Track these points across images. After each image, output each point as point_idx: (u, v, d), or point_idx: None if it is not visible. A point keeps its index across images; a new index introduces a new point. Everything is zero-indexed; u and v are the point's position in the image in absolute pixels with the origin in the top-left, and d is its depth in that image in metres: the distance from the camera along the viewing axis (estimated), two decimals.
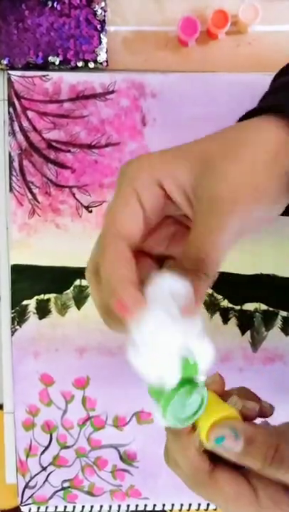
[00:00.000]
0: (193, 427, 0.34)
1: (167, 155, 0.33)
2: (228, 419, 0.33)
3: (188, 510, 0.55)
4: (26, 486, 0.54)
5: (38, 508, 0.55)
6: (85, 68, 0.53)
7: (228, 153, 0.32)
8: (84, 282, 0.54)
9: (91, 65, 0.53)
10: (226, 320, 0.53)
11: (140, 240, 0.33)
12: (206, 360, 0.31)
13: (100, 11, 0.53)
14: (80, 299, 0.54)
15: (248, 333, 0.53)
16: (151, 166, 0.32)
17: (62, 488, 0.54)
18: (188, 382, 0.31)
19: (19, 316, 0.54)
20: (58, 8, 0.53)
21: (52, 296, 0.54)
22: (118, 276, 0.31)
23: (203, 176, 0.32)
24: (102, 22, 0.53)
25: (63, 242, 0.53)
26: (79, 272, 0.53)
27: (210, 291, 0.53)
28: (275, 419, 0.38)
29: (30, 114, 0.53)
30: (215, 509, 0.54)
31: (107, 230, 0.32)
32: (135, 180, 0.32)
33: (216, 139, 0.34)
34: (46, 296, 0.54)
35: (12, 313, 0.54)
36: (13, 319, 0.54)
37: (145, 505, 0.54)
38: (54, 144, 0.53)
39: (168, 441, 0.35)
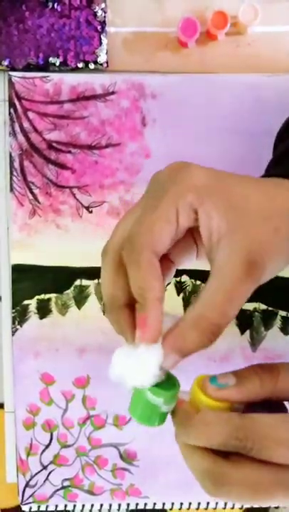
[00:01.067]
0: None
1: (211, 182, 0.33)
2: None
3: (188, 509, 0.55)
4: (27, 485, 0.54)
5: (39, 506, 0.55)
6: (86, 69, 0.54)
7: (258, 220, 0.33)
8: (84, 282, 0.54)
9: (91, 66, 0.53)
10: None
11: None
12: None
13: (100, 12, 0.53)
14: (80, 299, 0.54)
15: (248, 332, 0.53)
16: (197, 191, 0.33)
17: (63, 487, 0.55)
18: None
19: (20, 316, 0.54)
20: (59, 9, 0.53)
21: (52, 296, 0.54)
22: (153, 294, 0.32)
23: (232, 232, 0.32)
24: (103, 23, 0.53)
25: (64, 242, 0.54)
26: (79, 272, 0.54)
27: None
28: None
29: (30, 114, 0.53)
30: (215, 508, 0.55)
31: (145, 241, 0.33)
32: (180, 200, 0.33)
33: (247, 185, 0.34)
34: (47, 296, 0.54)
35: (13, 312, 0.54)
36: (13, 319, 0.54)
37: (145, 504, 0.55)
38: (54, 144, 0.54)
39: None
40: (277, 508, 0.55)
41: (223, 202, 0.33)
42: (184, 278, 0.53)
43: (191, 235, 0.36)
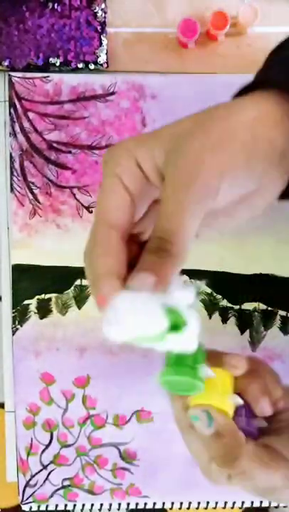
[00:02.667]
0: None
1: (144, 137, 0.33)
2: (215, 407, 0.35)
3: (188, 508, 0.55)
4: (27, 485, 0.55)
5: (39, 506, 0.55)
6: (86, 70, 0.54)
7: (196, 127, 0.32)
8: (84, 282, 0.54)
9: (91, 66, 0.53)
10: (225, 320, 0.54)
11: (130, 226, 0.33)
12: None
13: (100, 13, 0.53)
14: (80, 299, 0.54)
15: (247, 332, 0.54)
16: (129, 149, 0.32)
17: (63, 487, 0.55)
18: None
19: (20, 316, 0.54)
20: (59, 9, 0.53)
21: (53, 295, 0.54)
22: (105, 269, 0.31)
23: (171, 152, 0.31)
24: (103, 23, 0.53)
25: (64, 242, 0.54)
26: (80, 272, 0.54)
27: (209, 290, 0.53)
28: None
29: (31, 115, 0.54)
30: (215, 508, 0.55)
31: (98, 219, 0.32)
32: (117, 166, 0.32)
33: (190, 116, 0.33)
34: (47, 296, 0.54)
35: (13, 312, 0.54)
36: (14, 319, 0.54)
37: (145, 504, 0.55)
38: (55, 144, 0.54)
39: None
40: (277, 507, 0.55)
41: (159, 141, 0.32)
42: (184, 278, 0.53)
43: None
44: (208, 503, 0.54)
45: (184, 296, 0.31)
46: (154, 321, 0.29)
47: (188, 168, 0.30)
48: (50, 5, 0.53)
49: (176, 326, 0.31)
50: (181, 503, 0.55)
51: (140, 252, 0.32)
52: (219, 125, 0.32)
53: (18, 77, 0.53)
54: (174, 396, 0.38)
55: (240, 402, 0.36)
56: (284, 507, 0.55)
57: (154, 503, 0.55)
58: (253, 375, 0.37)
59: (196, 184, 0.30)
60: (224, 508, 0.55)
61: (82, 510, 0.55)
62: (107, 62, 0.53)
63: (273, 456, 0.35)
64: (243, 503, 0.54)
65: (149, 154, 0.32)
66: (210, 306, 0.53)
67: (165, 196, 0.31)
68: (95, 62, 0.53)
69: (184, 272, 0.53)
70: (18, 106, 0.53)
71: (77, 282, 0.54)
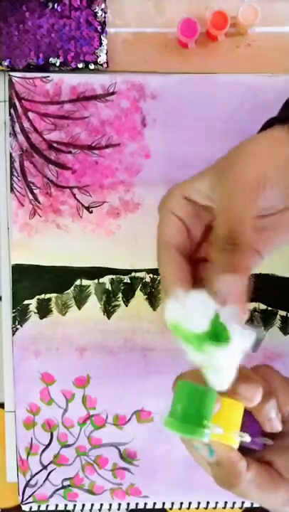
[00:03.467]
0: None
1: (187, 179, 0.40)
2: (218, 442, 0.35)
3: (188, 508, 0.55)
4: (27, 485, 0.55)
5: (39, 506, 0.55)
6: (86, 70, 0.54)
7: (232, 156, 0.39)
8: (84, 282, 0.54)
9: (91, 66, 0.53)
10: None
11: (187, 244, 0.40)
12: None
13: (100, 13, 0.53)
14: (80, 299, 0.54)
15: None
16: (176, 188, 0.40)
17: (63, 487, 0.55)
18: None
19: (20, 316, 0.54)
20: (59, 9, 0.53)
21: (53, 295, 0.54)
22: (170, 276, 0.38)
23: (217, 180, 0.38)
24: (103, 23, 0.53)
25: (64, 242, 0.54)
26: (80, 272, 0.54)
27: None
28: None
29: (31, 115, 0.54)
30: (215, 508, 0.55)
31: (159, 244, 0.40)
32: (168, 202, 0.40)
33: (225, 153, 0.39)
34: (47, 296, 0.54)
35: (13, 312, 0.54)
36: (14, 319, 0.54)
37: (145, 504, 0.55)
38: (55, 144, 0.54)
39: None
40: None
41: (202, 176, 0.39)
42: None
43: None
44: (208, 503, 0.54)
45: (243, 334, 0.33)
46: (197, 317, 0.33)
47: (234, 180, 0.37)
48: (50, 5, 0.53)
49: (216, 337, 0.32)
50: (181, 503, 0.55)
51: (207, 267, 0.40)
52: (252, 147, 0.38)
53: (18, 77, 0.53)
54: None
55: (247, 440, 0.35)
56: None
57: (154, 503, 0.55)
58: (265, 395, 0.37)
59: (244, 190, 0.36)
60: (224, 508, 0.55)
61: (82, 510, 0.55)
62: (107, 62, 0.53)
63: (274, 477, 0.36)
64: (243, 503, 0.54)
65: (193, 187, 0.39)
66: None
67: (220, 205, 0.37)
68: (95, 62, 0.53)
69: None
70: (18, 106, 0.53)
71: (77, 282, 0.54)
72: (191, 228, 0.40)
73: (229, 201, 0.37)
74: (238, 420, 0.35)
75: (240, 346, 0.33)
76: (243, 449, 0.36)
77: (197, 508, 0.55)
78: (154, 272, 0.54)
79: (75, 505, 0.55)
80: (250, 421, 0.36)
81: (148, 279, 0.54)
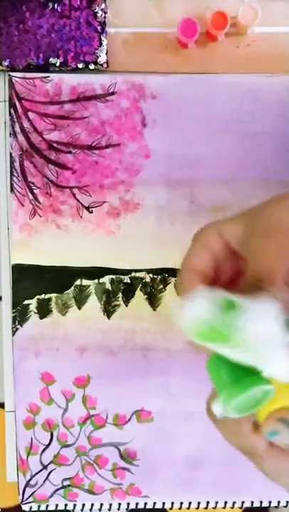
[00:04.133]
0: None
1: (227, 218, 0.40)
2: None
3: (188, 508, 0.55)
4: (27, 485, 0.55)
5: (39, 506, 0.55)
6: (86, 70, 0.54)
7: (266, 205, 0.38)
8: (84, 282, 0.54)
9: (91, 66, 0.53)
10: None
11: (211, 276, 0.39)
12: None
13: (100, 13, 0.53)
14: (80, 299, 0.54)
15: None
16: (216, 223, 0.40)
17: (63, 487, 0.55)
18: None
19: (20, 316, 0.54)
20: (59, 9, 0.53)
21: (53, 295, 0.54)
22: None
23: (251, 226, 0.38)
24: (103, 24, 0.53)
25: (64, 242, 0.54)
26: (80, 272, 0.54)
27: None
28: None
29: (31, 115, 0.54)
30: (215, 508, 0.55)
31: (183, 269, 0.40)
32: (204, 234, 0.40)
33: (262, 202, 0.39)
34: (47, 296, 0.54)
35: (13, 312, 0.54)
36: (14, 319, 0.54)
37: (145, 504, 0.55)
38: (55, 144, 0.54)
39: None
40: (277, 507, 0.55)
41: (239, 221, 0.39)
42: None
43: None
44: (208, 503, 0.54)
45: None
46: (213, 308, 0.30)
47: (269, 228, 0.36)
48: (50, 5, 0.53)
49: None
50: (181, 503, 0.55)
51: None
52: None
53: (18, 77, 0.53)
54: (240, 421, 0.33)
55: None
56: (284, 507, 0.55)
57: (154, 503, 0.55)
58: None
59: (276, 236, 0.35)
60: (224, 508, 0.55)
61: (82, 510, 0.55)
62: (107, 62, 0.53)
63: None
64: (243, 503, 0.54)
65: (229, 227, 0.39)
66: None
67: (252, 253, 0.37)
68: (95, 62, 0.53)
69: None
70: (18, 106, 0.53)
71: (78, 282, 0.54)
72: (220, 267, 0.39)
73: (262, 250, 0.36)
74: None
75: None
76: None
77: (197, 508, 0.55)
78: (154, 271, 0.54)
79: (75, 505, 0.55)
80: None
81: (148, 279, 0.54)
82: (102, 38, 0.53)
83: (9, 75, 0.54)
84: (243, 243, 0.38)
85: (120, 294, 0.54)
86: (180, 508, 0.55)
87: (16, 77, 0.53)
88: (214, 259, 0.39)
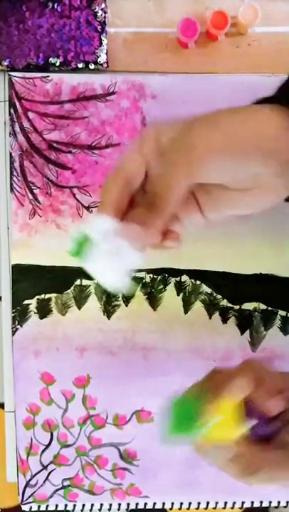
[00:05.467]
0: None
1: (172, 121, 0.40)
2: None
3: (188, 508, 0.55)
4: (27, 485, 0.55)
5: (39, 506, 0.55)
6: (86, 69, 0.54)
7: (205, 117, 0.39)
8: (84, 282, 0.54)
9: (91, 66, 0.53)
10: (225, 319, 0.54)
11: (139, 186, 0.40)
12: None
13: (100, 13, 0.53)
14: (80, 299, 0.54)
15: (248, 332, 0.54)
16: (156, 127, 0.40)
17: (63, 487, 0.55)
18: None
19: (20, 316, 0.54)
20: (59, 9, 0.53)
21: (53, 295, 0.54)
22: (112, 195, 0.39)
23: (173, 141, 0.38)
24: (103, 23, 0.53)
25: (64, 242, 0.54)
26: (79, 272, 0.54)
27: (209, 290, 0.53)
28: None
29: (31, 115, 0.54)
30: (215, 508, 0.55)
31: (115, 170, 0.40)
32: (143, 141, 0.40)
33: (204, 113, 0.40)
34: (47, 296, 0.54)
35: (13, 312, 0.54)
36: (14, 319, 0.54)
37: (145, 504, 0.55)
38: (55, 144, 0.54)
39: None
40: (277, 507, 0.55)
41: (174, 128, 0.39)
42: (184, 278, 0.53)
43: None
44: (208, 503, 0.54)
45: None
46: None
47: (181, 149, 0.37)
48: (50, 5, 0.53)
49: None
50: (181, 503, 0.55)
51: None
52: (225, 121, 0.37)
53: (18, 77, 0.53)
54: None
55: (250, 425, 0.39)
56: (284, 507, 0.55)
57: (154, 503, 0.55)
58: (254, 382, 0.39)
59: (183, 163, 0.36)
60: (224, 508, 0.55)
61: (82, 510, 0.55)
62: (107, 62, 0.53)
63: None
64: (243, 503, 0.54)
65: (168, 129, 0.39)
66: (210, 306, 0.53)
67: (164, 168, 0.38)
68: (95, 62, 0.53)
69: (185, 272, 0.53)
70: (18, 106, 0.53)
71: (77, 282, 0.54)
72: (151, 167, 0.40)
73: (171, 162, 0.37)
74: (238, 416, 0.38)
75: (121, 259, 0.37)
76: (259, 438, 0.39)
77: (197, 508, 0.55)
78: (154, 271, 0.54)
79: (75, 506, 0.55)
80: (252, 413, 0.39)
81: (148, 279, 0.54)
82: (102, 38, 0.53)
83: (9, 75, 0.53)
84: (165, 149, 0.38)
85: (120, 294, 0.54)
86: (180, 508, 0.55)
87: (15, 76, 0.53)
88: (147, 163, 0.40)
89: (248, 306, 0.53)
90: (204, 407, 0.38)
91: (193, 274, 0.53)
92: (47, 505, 0.55)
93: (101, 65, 0.53)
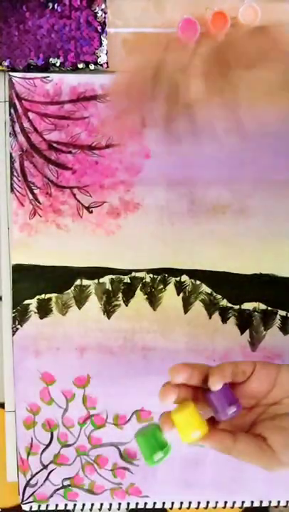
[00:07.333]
0: None
1: None
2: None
3: (188, 508, 0.55)
4: (27, 485, 0.55)
5: (39, 506, 0.55)
6: (86, 70, 0.54)
7: None
8: (84, 282, 0.54)
9: (91, 66, 0.53)
10: (225, 319, 0.54)
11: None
12: None
13: (100, 13, 0.53)
14: (80, 299, 0.54)
15: (247, 332, 0.54)
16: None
17: (63, 487, 0.55)
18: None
19: (20, 316, 0.54)
20: (59, 9, 0.53)
21: (53, 295, 0.54)
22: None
23: None
24: (103, 24, 0.53)
25: (64, 242, 0.54)
26: (80, 272, 0.54)
27: (209, 290, 0.53)
28: None
29: (31, 115, 0.54)
30: (215, 507, 0.55)
31: None
32: None
33: None
34: (47, 296, 0.54)
35: (13, 312, 0.54)
36: (14, 319, 0.54)
37: (145, 503, 0.55)
38: (55, 145, 0.54)
39: None
40: (277, 507, 0.55)
41: None
42: (184, 278, 0.53)
43: None
44: (208, 503, 0.54)
45: None
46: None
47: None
48: (50, 5, 0.53)
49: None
50: (181, 503, 0.55)
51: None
52: None
53: (19, 78, 0.53)
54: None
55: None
56: (284, 507, 0.55)
57: (154, 503, 0.55)
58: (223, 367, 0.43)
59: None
60: (224, 508, 0.55)
61: (82, 510, 0.55)
62: (107, 62, 0.53)
63: (264, 450, 0.41)
64: (243, 502, 0.55)
65: None
66: (210, 306, 0.53)
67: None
68: (95, 63, 0.53)
69: (184, 272, 0.53)
70: (18, 106, 0.54)
71: (78, 282, 0.54)
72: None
73: None
74: (192, 422, 0.42)
75: None
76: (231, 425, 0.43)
77: (197, 507, 0.55)
78: (154, 271, 0.54)
79: (75, 505, 0.55)
80: (222, 396, 0.42)
81: (148, 279, 0.54)
82: (102, 38, 0.53)
83: (9, 75, 0.54)
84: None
85: (120, 294, 0.54)
86: (180, 508, 0.55)
87: (16, 77, 0.53)
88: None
89: (248, 306, 0.53)
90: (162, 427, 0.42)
91: (193, 274, 0.53)
92: (47, 505, 0.55)
93: (101, 65, 0.53)
